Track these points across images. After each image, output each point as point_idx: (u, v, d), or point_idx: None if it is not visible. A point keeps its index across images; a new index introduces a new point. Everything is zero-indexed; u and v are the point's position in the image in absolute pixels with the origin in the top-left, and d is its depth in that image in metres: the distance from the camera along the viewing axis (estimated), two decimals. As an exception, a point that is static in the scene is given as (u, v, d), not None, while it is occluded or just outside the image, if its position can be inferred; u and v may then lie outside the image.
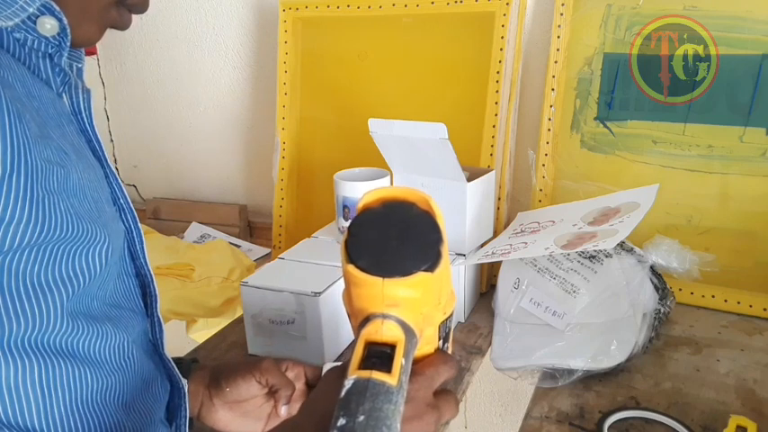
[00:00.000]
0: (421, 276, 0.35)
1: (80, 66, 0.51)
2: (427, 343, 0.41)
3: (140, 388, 0.50)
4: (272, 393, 0.61)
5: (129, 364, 0.48)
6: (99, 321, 0.45)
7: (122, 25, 0.48)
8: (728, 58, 0.88)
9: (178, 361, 0.62)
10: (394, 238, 0.36)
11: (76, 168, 0.43)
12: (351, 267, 0.35)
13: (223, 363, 0.72)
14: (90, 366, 0.44)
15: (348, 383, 0.33)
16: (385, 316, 0.35)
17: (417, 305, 0.36)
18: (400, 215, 0.36)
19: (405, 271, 0.34)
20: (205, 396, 0.62)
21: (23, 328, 0.39)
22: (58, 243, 0.40)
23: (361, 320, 0.36)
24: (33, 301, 0.39)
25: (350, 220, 0.37)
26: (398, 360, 0.34)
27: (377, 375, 0.33)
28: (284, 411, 0.61)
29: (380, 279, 0.34)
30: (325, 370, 0.55)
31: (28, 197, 0.37)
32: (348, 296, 0.37)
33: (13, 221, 0.37)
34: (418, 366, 0.41)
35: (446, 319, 0.42)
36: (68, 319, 0.42)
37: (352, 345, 0.35)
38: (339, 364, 0.43)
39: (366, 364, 0.34)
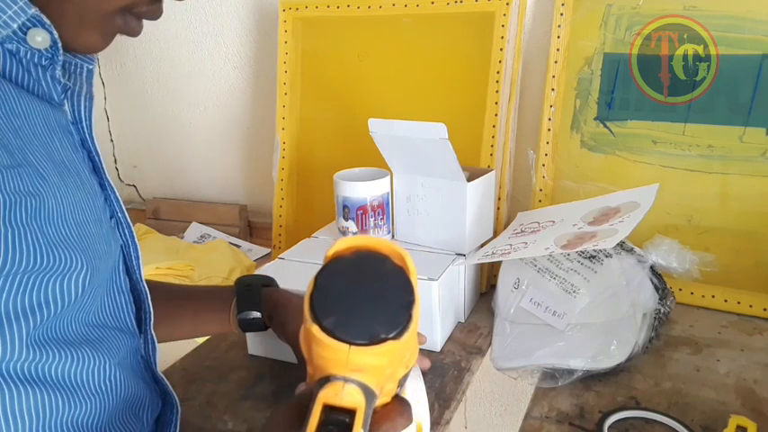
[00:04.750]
0: (389, 345, 0.33)
1: (90, 67, 0.48)
2: (386, 395, 0.39)
3: (121, 410, 0.48)
4: None
5: (110, 388, 0.46)
6: (75, 345, 0.43)
7: (131, 32, 0.46)
8: (728, 58, 0.88)
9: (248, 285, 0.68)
10: (364, 296, 0.33)
11: (56, 193, 0.41)
12: (315, 329, 0.32)
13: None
14: (62, 392, 0.42)
15: None
16: (347, 379, 0.33)
17: (382, 370, 0.34)
18: (373, 269, 0.34)
19: (373, 337, 0.32)
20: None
21: None
22: (26, 274, 0.38)
23: (319, 378, 0.34)
24: None
25: (317, 271, 0.34)
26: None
27: None
28: None
29: (347, 346, 0.32)
30: None
31: None
32: (308, 351, 0.35)
33: None
34: (373, 421, 0.39)
35: (408, 372, 0.40)
36: (35, 347, 0.40)
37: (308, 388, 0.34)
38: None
39: None
